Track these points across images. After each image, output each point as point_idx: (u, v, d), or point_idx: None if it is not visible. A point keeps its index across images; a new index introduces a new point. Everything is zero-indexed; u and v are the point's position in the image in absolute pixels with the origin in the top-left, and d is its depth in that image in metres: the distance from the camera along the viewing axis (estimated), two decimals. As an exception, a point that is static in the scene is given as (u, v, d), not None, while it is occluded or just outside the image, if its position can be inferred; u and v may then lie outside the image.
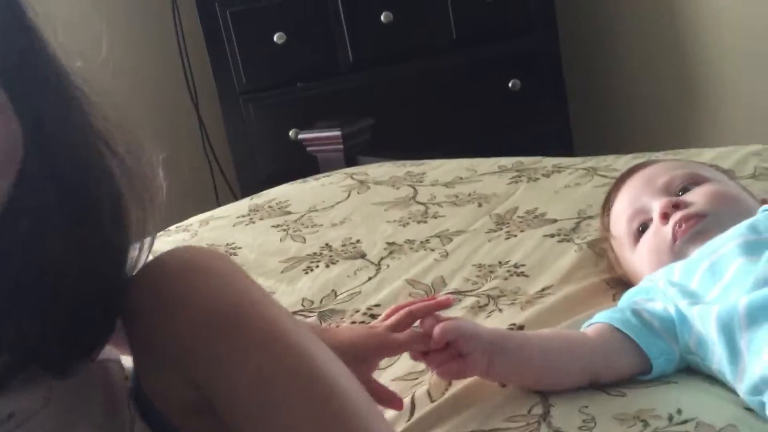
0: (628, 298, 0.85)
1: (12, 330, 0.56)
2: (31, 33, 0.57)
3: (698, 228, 0.85)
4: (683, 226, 0.85)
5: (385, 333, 0.81)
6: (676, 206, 0.87)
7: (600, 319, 0.82)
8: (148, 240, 0.66)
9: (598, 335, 0.80)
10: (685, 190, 0.90)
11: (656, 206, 0.88)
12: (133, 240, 0.64)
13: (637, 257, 0.91)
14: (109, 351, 0.68)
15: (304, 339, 0.60)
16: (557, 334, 0.84)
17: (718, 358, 0.73)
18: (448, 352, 0.76)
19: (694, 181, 0.90)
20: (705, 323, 0.74)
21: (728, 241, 0.79)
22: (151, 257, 0.65)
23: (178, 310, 0.59)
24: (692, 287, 0.79)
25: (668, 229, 0.86)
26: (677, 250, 0.85)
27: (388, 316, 0.84)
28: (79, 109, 0.60)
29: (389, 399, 0.80)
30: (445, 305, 0.84)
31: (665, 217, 0.87)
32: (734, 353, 0.71)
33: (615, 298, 0.92)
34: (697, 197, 0.88)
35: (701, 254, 0.81)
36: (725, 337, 0.72)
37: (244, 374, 0.57)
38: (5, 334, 0.56)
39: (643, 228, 0.90)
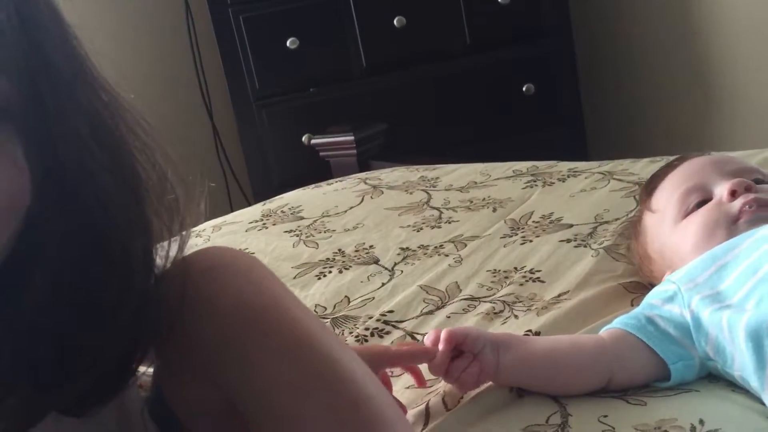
0: (647, 300, 0.84)
1: (28, 396, 0.52)
2: (70, 69, 0.52)
3: (765, 215, 0.84)
4: (754, 206, 0.84)
5: (389, 346, 0.85)
6: (749, 189, 0.86)
7: (614, 325, 0.81)
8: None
9: (612, 337, 0.79)
10: (758, 181, 0.89)
11: (726, 184, 0.87)
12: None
13: (680, 231, 0.89)
14: None
15: (330, 342, 0.59)
16: (564, 335, 0.85)
17: (739, 365, 0.72)
18: (465, 359, 0.76)
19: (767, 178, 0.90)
20: (733, 329, 0.72)
21: (764, 242, 0.78)
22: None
23: (205, 311, 0.57)
24: (722, 287, 0.78)
25: (735, 205, 0.85)
26: (735, 228, 0.84)
27: None
28: (126, 156, 0.55)
29: None
30: None
31: (734, 194, 0.86)
32: (762, 361, 0.70)
33: (633, 303, 0.91)
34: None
35: (743, 254, 0.79)
36: (753, 344, 0.70)
37: (269, 378, 0.56)
38: (22, 400, 0.52)
39: (699, 204, 0.89)
